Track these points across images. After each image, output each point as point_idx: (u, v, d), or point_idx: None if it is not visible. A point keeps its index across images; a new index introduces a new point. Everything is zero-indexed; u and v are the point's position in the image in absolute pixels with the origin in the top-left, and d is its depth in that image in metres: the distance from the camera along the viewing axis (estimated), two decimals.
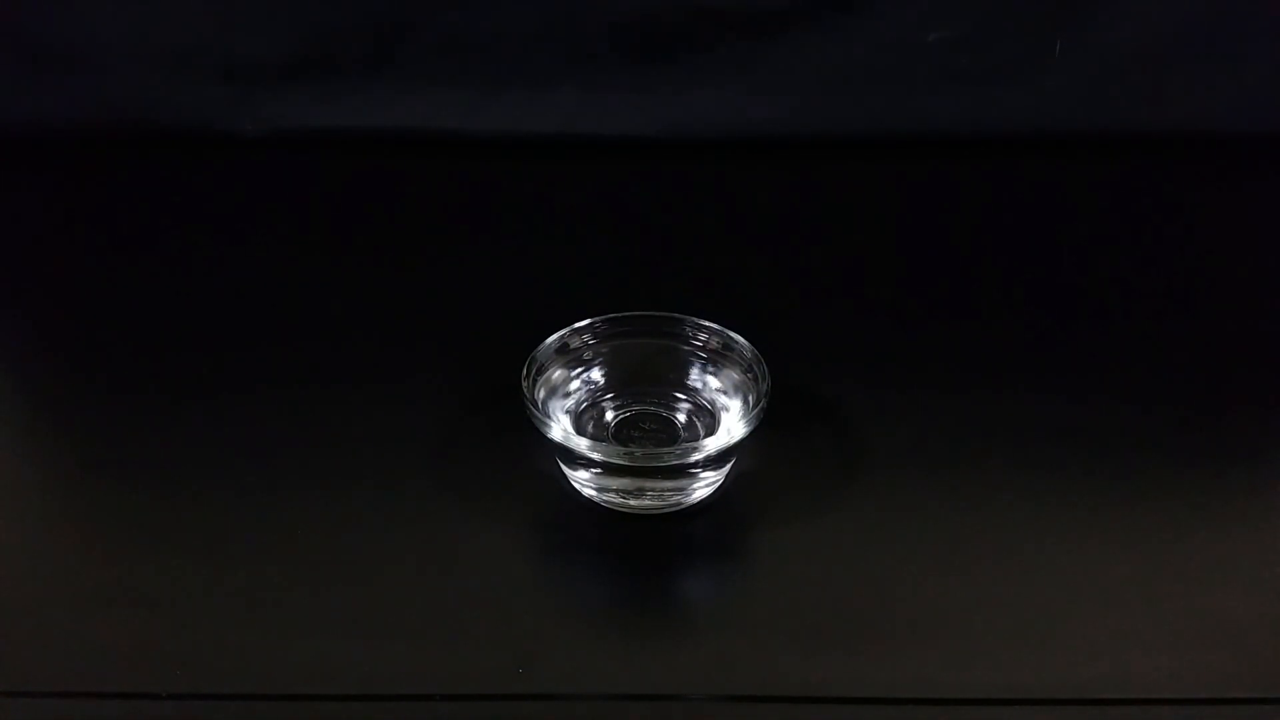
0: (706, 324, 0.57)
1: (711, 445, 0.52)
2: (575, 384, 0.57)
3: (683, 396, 0.57)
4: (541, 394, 0.55)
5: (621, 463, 0.51)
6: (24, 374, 0.65)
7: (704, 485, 0.53)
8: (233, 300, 0.70)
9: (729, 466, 0.54)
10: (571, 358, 0.57)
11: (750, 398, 0.54)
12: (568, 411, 0.56)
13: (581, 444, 0.52)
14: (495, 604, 0.50)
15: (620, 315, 0.58)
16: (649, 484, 0.52)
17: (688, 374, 0.57)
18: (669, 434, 0.56)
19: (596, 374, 0.57)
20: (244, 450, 0.58)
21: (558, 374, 0.56)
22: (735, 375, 0.56)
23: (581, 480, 0.54)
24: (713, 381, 0.57)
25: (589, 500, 0.54)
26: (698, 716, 0.46)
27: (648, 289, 0.70)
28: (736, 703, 0.46)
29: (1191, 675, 0.47)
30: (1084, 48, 0.81)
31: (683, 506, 0.54)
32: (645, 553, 0.53)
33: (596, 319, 0.58)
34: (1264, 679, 0.47)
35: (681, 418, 0.56)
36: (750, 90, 0.83)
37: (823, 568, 0.52)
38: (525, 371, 0.54)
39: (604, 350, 0.58)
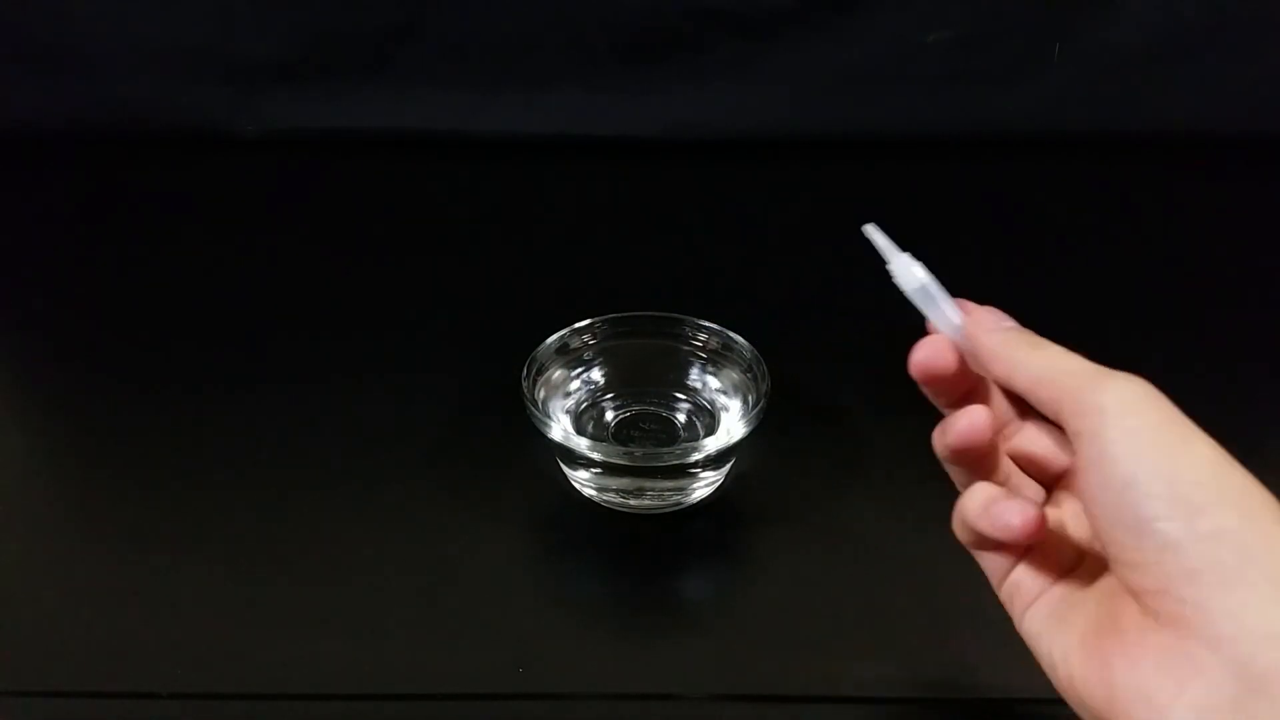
0: (706, 324, 0.57)
1: (711, 445, 0.52)
2: (575, 384, 0.57)
3: (682, 396, 0.57)
4: (541, 394, 0.55)
5: (621, 463, 0.51)
6: (24, 373, 0.65)
7: (704, 485, 0.53)
8: (232, 300, 0.70)
9: (729, 466, 0.54)
10: (571, 358, 0.57)
11: (750, 398, 0.54)
12: (568, 411, 0.56)
13: (581, 444, 0.52)
14: (495, 604, 0.50)
15: (620, 315, 0.58)
16: (649, 484, 0.52)
17: (688, 374, 0.57)
18: (669, 434, 0.56)
19: (596, 374, 0.57)
20: (244, 450, 0.58)
21: (558, 374, 0.56)
22: (735, 375, 0.56)
23: (581, 480, 0.54)
24: (712, 381, 0.57)
25: (589, 500, 0.54)
26: (698, 716, 0.46)
27: (648, 289, 0.70)
28: (736, 702, 0.46)
29: None
30: (1084, 48, 0.81)
31: (683, 506, 0.54)
32: (645, 553, 0.53)
33: (596, 319, 0.57)
34: None
35: (681, 418, 0.56)
36: (750, 90, 0.83)
37: (822, 568, 0.52)
38: (525, 371, 0.54)
39: (604, 350, 0.58)
